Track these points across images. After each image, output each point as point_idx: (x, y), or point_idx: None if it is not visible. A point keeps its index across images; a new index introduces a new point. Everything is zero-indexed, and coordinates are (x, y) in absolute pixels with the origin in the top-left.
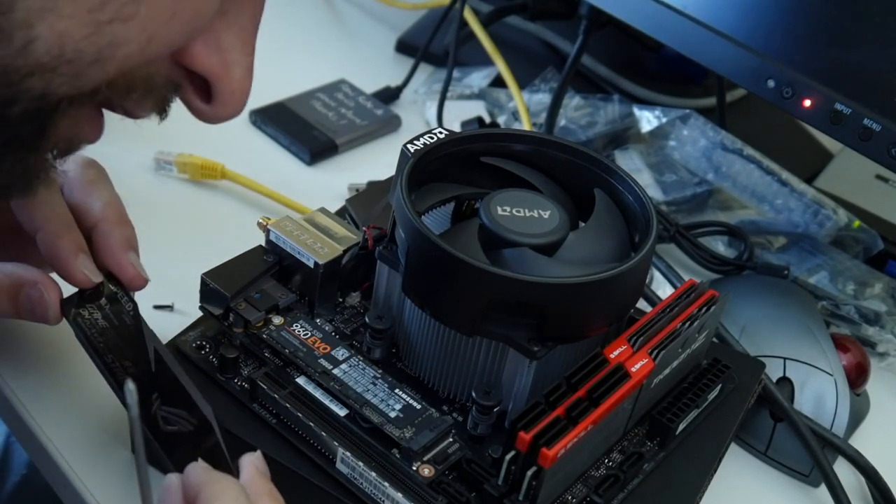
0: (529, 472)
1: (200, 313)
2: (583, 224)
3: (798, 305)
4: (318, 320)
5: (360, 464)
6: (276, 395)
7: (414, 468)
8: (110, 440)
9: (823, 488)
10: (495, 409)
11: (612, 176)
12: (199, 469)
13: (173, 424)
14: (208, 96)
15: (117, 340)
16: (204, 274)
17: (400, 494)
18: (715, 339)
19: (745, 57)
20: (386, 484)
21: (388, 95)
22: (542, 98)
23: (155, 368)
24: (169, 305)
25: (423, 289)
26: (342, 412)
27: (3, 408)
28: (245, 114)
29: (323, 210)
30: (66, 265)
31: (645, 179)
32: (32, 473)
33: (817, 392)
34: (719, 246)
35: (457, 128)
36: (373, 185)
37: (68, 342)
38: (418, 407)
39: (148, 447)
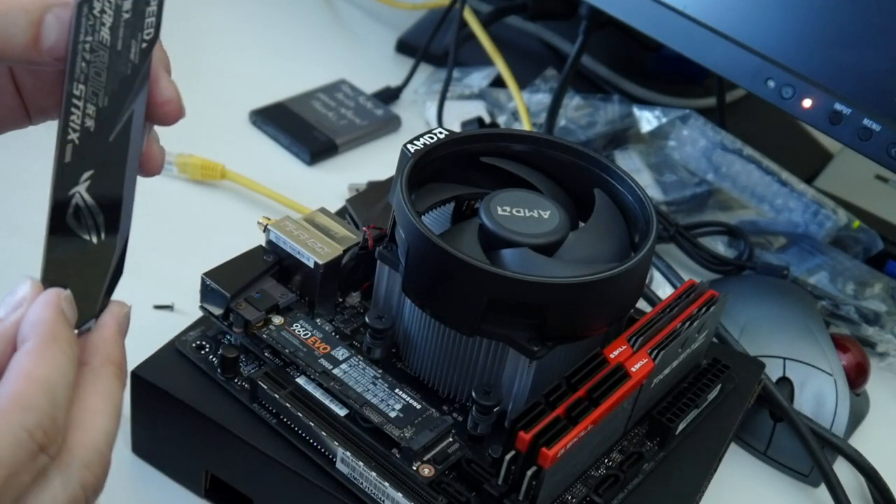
0: (529, 472)
1: (200, 313)
2: (583, 224)
3: (798, 305)
4: (318, 320)
5: (360, 464)
6: (276, 395)
7: (414, 468)
8: None
9: (823, 488)
10: (495, 409)
11: (612, 176)
12: (46, 314)
13: (78, 224)
14: None
15: (102, 69)
16: (204, 274)
17: (400, 494)
18: (715, 339)
19: (745, 57)
20: (386, 484)
21: (388, 95)
22: (542, 98)
23: (114, 137)
24: (169, 305)
25: (423, 289)
26: (342, 412)
27: None
28: (245, 114)
29: (323, 210)
30: None
31: (645, 179)
32: None
33: (817, 392)
34: (719, 246)
35: (457, 128)
36: (373, 185)
37: None
38: (418, 407)
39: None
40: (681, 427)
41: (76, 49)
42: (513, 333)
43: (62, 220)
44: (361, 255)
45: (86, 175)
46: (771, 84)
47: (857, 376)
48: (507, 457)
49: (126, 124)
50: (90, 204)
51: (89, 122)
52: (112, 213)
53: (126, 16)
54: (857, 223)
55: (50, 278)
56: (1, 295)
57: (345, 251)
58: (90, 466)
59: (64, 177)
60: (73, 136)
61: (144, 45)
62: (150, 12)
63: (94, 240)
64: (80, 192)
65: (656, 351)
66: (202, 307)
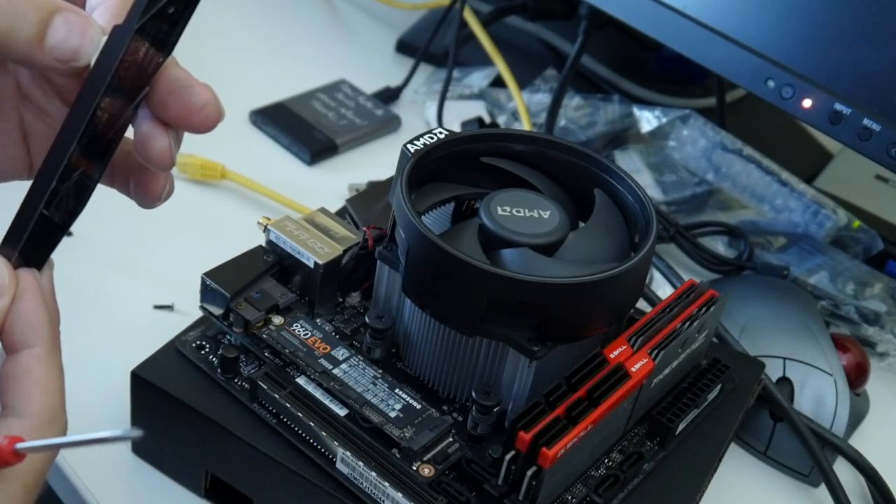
0: (529, 472)
1: (200, 313)
2: (583, 224)
3: (798, 305)
4: (318, 320)
5: (360, 464)
6: (276, 395)
7: (414, 468)
8: None
9: (823, 488)
10: (495, 409)
11: (612, 176)
12: (43, 316)
13: (56, 209)
14: None
15: (127, 83)
16: (204, 274)
17: (400, 494)
18: (715, 339)
19: (745, 57)
20: (386, 484)
21: (388, 95)
22: (542, 98)
23: (112, 133)
24: (169, 305)
25: (423, 289)
26: (342, 412)
27: None
28: (245, 114)
29: (323, 210)
30: None
31: (645, 179)
32: None
33: (817, 392)
34: (719, 246)
35: (457, 128)
36: (373, 185)
37: (67, 337)
38: (418, 407)
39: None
40: (681, 427)
41: (116, 68)
42: (513, 333)
43: (49, 205)
44: (361, 255)
45: (77, 173)
46: (771, 84)
47: (857, 376)
48: (507, 457)
49: (125, 122)
50: (70, 191)
51: (100, 127)
52: (82, 198)
53: (161, 36)
54: (857, 223)
55: (24, 255)
56: None
57: (345, 251)
58: None
59: (64, 173)
60: (84, 140)
61: (161, 59)
62: (177, 32)
63: (60, 222)
64: (69, 185)
65: (656, 351)
66: (202, 307)
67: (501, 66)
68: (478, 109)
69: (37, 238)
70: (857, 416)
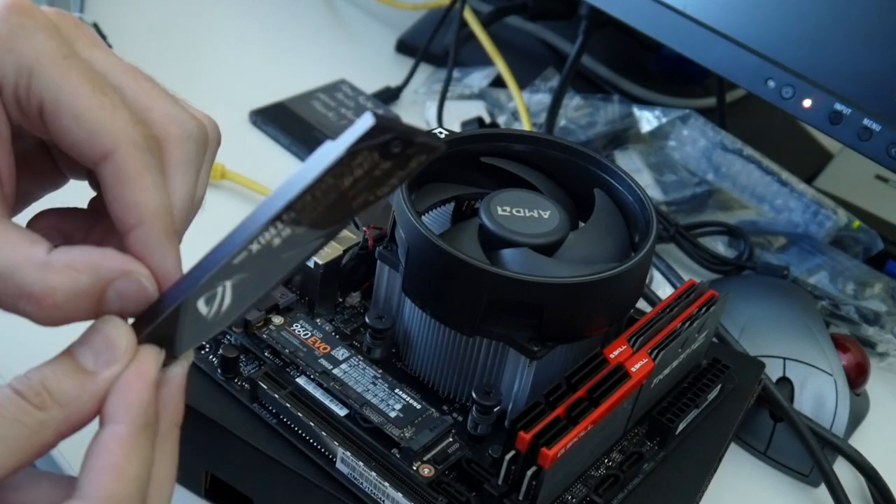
0: (529, 472)
1: None
2: (583, 224)
3: (798, 305)
4: (318, 320)
5: (360, 464)
6: (276, 395)
7: (414, 468)
8: None
9: (823, 488)
10: (495, 409)
11: (612, 176)
12: (143, 396)
13: (207, 305)
14: None
15: (320, 206)
16: None
17: (400, 494)
18: (715, 339)
19: (745, 57)
20: (386, 484)
21: (388, 95)
22: (542, 98)
23: (284, 258)
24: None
25: (423, 289)
26: (342, 412)
27: None
28: (245, 114)
29: None
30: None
31: (645, 179)
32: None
33: (817, 392)
34: (719, 246)
35: (457, 128)
36: None
37: (68, 336)
38: (418, 407)
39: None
40: (681, 427)
41: (316, 183)
42: (513, 333)
43: (200, 295)
44: (361, 255)
45: (241, 276)
46: (771, 84)
47: (857, 376)
48: (507, 457)
49: (297, 256)
50: (226, 294)
51: (276, 241)
52: (239, 304)
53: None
54: (857, 223)
55: (153, 336)
56: None
57: (345, 251)
58: None
59: (222, 272)
60: (255, 246)
61: (364, 199)
62: (396, 178)
63: (210, 317)
64: (227, 285)
65: (656, 351)
66: None
67: (501, 66)
68: (478, 109)
69: (178, 326)
70: (857, 416)
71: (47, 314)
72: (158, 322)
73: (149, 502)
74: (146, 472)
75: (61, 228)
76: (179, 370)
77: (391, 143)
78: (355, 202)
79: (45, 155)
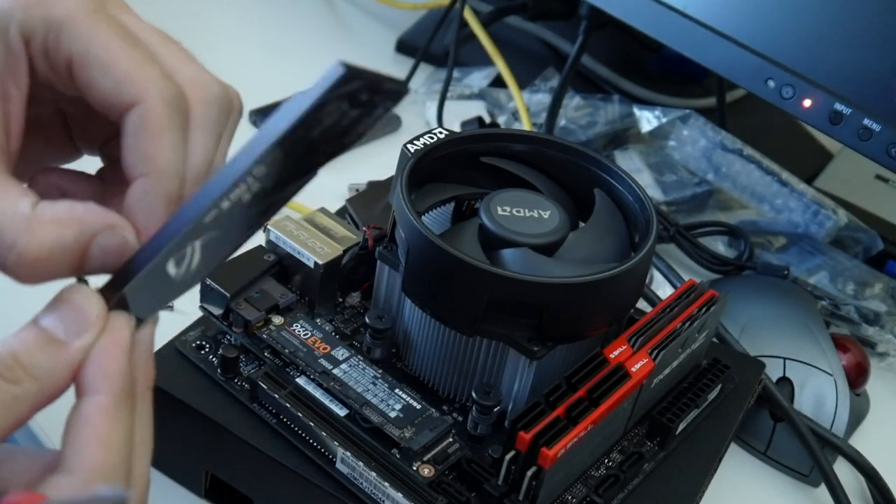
0: (529, 472)
1: (200, 313)
2: (583, 224)
3: (798, 305)
4: (318, 320)
5: (360, 464)
6: (276, 395)
7: (414, 468)
8: None
9: (823, 488)
10: (495, 409)
11: (612, 176)
12: (120, 366)
13: (176, 265)
14: None
15: (291, 158)
16: None
17: (400, 494)
18: (715, 339)
19: (745, 57)
20: (386, 484)
21: None
22: (542, 98)
23: (257, 212)
24: (169, 305)
25: (423, 289)
26: (342, 412)
27: None
28: (245, 114)
29: (323, 210)
30: None
31: (645, 179)
32: None
33: (817, 392)
34: (719, 246)
35: (457, 128)
36: (373, 185)
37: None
38: (418, 407)
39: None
40: (681, 427)
41: (287, 136)
42: (513, 333)
43: (169, 256)
44: (361, 255)
45: (210, 235)
46: (771, 84)
47: (857, 376)
48: (507, 457)
49: (267, 211)
50: (195, 254)
51: (246, 197)
52: (208, 262)
53: (338, 128)
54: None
55: (122, 300)
56: None
57: (345, 251)
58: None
59: (193, 231)
60: (226, 203)
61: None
62: (362, 126)
63: (179, 278)
64: (196, 244)
65: (656, 351)
66: (202, 307)
67: (501, 66)
68: (478, 109)
69: (147, 287)
70: (857, 416)
71: (30, 269)
72: (129, 286)
73: (133, 467)
74: (129, 439)
75: (62, 188)
76: (147, 332)
77: (359, 91)
78: (323, 152)
79: (61, 126)
